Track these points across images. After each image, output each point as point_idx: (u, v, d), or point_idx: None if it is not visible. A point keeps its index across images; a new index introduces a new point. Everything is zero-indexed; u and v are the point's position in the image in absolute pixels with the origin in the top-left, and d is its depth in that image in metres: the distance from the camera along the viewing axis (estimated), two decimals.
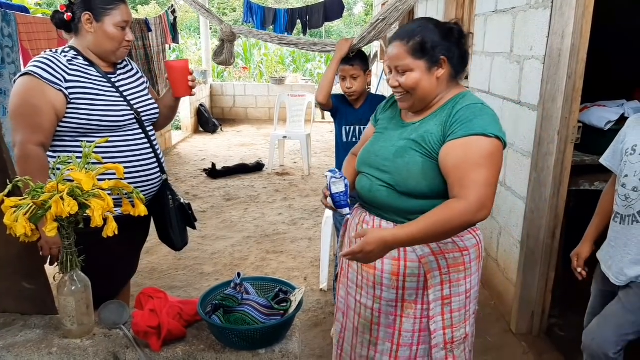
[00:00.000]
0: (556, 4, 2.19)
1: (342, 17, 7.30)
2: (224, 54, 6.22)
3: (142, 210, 1.33)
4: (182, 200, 2.09)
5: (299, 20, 7.28)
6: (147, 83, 2.06)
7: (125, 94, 1.88)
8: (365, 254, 1.32)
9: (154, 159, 1.93)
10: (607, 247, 1.81)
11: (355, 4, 21.77)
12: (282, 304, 1.29)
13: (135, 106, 1.89)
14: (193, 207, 2.19)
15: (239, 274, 1.36)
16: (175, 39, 7.35)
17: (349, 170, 1.73)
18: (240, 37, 5.87)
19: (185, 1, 6.06)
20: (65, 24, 1.84)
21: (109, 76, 1.86)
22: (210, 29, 11.29)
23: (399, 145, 1.50)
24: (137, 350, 1.26)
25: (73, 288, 1.28)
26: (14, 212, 1.18)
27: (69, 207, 1.17)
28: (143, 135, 1.91)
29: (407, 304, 1.51)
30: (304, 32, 7.38)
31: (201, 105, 8.82)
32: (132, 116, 1.86)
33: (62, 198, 1.18)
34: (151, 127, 1.99)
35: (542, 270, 2.51)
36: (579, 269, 1.90)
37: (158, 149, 1.98)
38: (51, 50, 1.80)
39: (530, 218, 2.47)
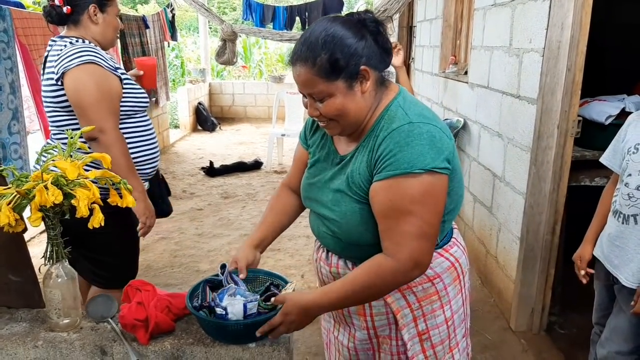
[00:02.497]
0: None
1: (341, 13, 7.29)
2: (226, 54, 6.18)
3: (129, 201, 1.30)
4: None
5: (298, 18, 7.25)
6: None
7: None
8: (286, 325, 1.17)
9: (157, 138, 2.10)
10: (610, 246, 1.73)
11: (356, 3, 21.75)
12: (269, 302, 1.24)
13: None
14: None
15: (223, 266, 1.32)
16: (173, 37, 7.32)
17: (273, 205, 1.46)
18: (241, 35, 5.84)
19: (186, 1, 6.02)
20: (63, 18, 1.86)
21: None
22: (210, 27, 11.27)
23: (335, 188, 1.25)
24: (125, 344, 1.23)
25: (59, 280, 1.25)
26: None
27: (53, 196, 1.14)
28: (148, 116, 2.06)
29: (381, 339, 1.35)
30: (303, 29, 7.36)
31: (200, 103, 8.80)
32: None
33: (46, 187, 1.14)
34: None
35: (541, 266, 2.48)
36: (583, 272, 1.84)
37: None
38: (71, 43, 1.82)
39: (530, 213, 2.44)
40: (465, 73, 3.62)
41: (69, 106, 1.81)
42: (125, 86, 1.88)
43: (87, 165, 1.29)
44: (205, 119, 8.67)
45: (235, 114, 9.86)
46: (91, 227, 1.22)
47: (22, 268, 1.37)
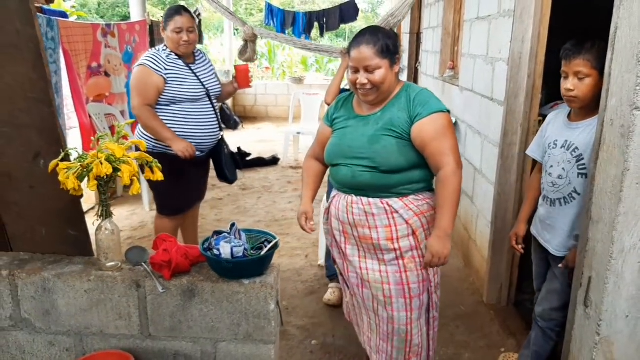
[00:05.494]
0: (517, 12, 2.53)
1: (356, 19, 7.66)
2: (247, 52, 6.69)
3: (159, 176, 1.75)
4: (231, 150, 3.22)
5: (316, 23, 7.66)
6: (214, 68, 3.05)
7: (200, 77, 2.84)
8: (435, 255, 1.79)
9: (216, 122, 2.94)
10: (542, 225, 2.08)
11: (380, 4, 22.05)
12: (257, 251, 1.69)
13: (206, 85, 2.86)
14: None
15: (233, 224, 1.77)
16: (200, 40, 7.82)
17: (310, 173, 2.10)
18: (261, 38, 6.33)
19: (211, 4, 6.51)
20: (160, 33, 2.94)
21: (190, 65, 2.84)
22: (236, 30, 11.77)
23: (370, 134, 1.83)
24: (153, 279, 1.67)
25: (107, 232, 1.70)
26: (66, 172, 1.60)
27: (106, 169, 1.59)
28: (210, 105, 2.89)
29: (407, 260, 1.86)
30: (321, 34, 7.74)
31: (223, 103, 9.30)
32: (204, 92, 2.85)
33: (101, 162, 1.60)
34: (216, 100, 2.96)
35: (508, 247, 2.82)
36: (519, 247, 2.24)
37: (218, 115, 2.98)
38: (156, 49, 2.82)
39: (498, 201, 2.81)
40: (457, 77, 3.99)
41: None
42: (169, 82, 2.73)
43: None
44: (229, 118, 9.15)
45: (257, 114, 10.35)
46: (131, 195, 1.67)
47: (78, 225, 1.83)
